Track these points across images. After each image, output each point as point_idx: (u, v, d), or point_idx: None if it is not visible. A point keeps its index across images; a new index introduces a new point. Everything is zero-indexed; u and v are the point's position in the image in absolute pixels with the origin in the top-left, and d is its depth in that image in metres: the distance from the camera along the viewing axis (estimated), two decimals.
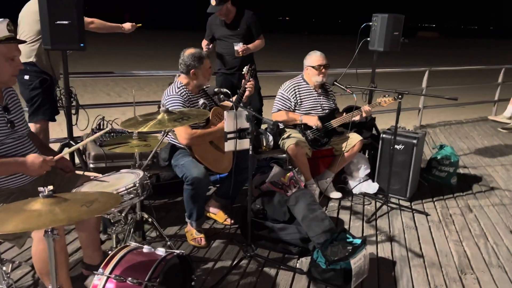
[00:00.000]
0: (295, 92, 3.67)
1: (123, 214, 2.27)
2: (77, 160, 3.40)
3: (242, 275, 2.57)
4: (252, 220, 2.79)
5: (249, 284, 2.49)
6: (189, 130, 2.79)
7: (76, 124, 3.43)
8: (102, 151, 3.06)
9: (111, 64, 15.15)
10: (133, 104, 3.51)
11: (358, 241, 2.61)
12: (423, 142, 3.96)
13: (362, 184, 3.91)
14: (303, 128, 3.65)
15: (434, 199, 3.87)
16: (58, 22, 2.88)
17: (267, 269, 2.66)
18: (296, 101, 3.67)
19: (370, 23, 4.14)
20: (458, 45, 43.66)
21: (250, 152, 2.54)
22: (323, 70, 3.64)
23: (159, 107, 2.61)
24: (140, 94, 10.21)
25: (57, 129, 3.91)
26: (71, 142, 3.40)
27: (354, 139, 3.69)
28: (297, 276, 2.59)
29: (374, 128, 4.34)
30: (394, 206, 3.63)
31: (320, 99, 3.74)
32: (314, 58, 3.67)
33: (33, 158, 2.01)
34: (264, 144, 3.87)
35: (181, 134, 2.79)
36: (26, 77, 3.21)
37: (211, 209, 3.27)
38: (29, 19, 3.20)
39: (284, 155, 3.68)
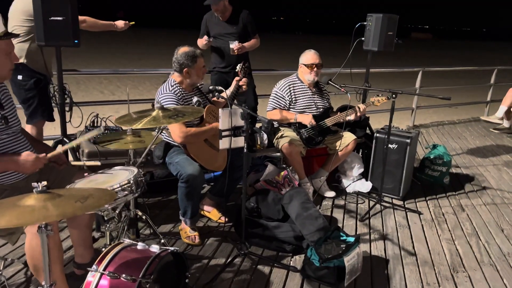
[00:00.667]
0: (289, 91, 3.68)
1: (117, 212, 2.26)
2: (70, 158, 3.38)
3: (236, 273, 2.57)
4: (246, 218, 2.79)
5: (243, 281, 2.50)
6: (184, 128, 2.78)
7: (70, 121, 3.41)
8: (96, 148, 3.04)
9: (104, 62, 15.06)
10: (127, 102, 3.49)
11: (352, 239, 2.62)
12: (416, 141, 3.99)
13: (356, 183, 3.93)
14: (298, 126, 3.65)
15: (427, 198, 3.89)
16: (52, 18, 2.86)
17: (261, 267, 2.66)
18: (290, 99, 3.67)
19: (365, 23, 4.16)
20: (451, 47, 43.95)
21: (245, 150, 2.54)
22: (315, 69, 3.65)
23: (153, 105, 2.60)
24: (134, 92, 10.18)
25: (50, 126, 3.88)
26: (64, 139, 3.38)
27: (348, 138, 3.71)
28: (291, 274, 2.60)
29: (368, 128, 4.36)
30: (387, 205, 3.66)
31: (315, 97, 3.75)
32: (307, 56, 3.68)
33: (25, 155, 2.00)
34: (259, 143, 3.87)
35: (175, 132, 2.78)
36: (19, 77, 3.18)
37: (205, 207, 3.27)
38: (17, 17, 3.17)
39: (278, 153, 3.69)
